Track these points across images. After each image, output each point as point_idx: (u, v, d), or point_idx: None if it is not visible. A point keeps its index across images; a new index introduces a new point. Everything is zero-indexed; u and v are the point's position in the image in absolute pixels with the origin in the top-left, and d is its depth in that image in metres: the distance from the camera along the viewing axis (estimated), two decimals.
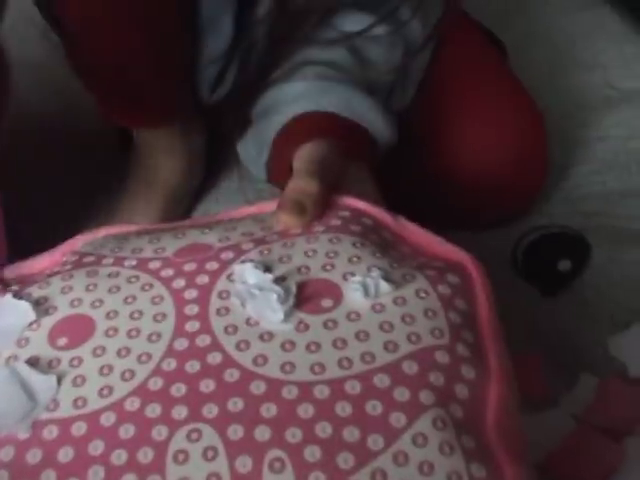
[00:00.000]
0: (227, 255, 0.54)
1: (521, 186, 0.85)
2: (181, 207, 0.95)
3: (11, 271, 0.58)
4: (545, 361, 0.75)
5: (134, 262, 0.55)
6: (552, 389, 0.74)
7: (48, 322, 0.51)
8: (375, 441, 0.45)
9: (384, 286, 0.51)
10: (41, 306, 0.52)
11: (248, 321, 0.50)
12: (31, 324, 0.51)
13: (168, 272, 0.53)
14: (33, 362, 0.49)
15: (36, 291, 0.53)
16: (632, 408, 0.71)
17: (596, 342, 0.79)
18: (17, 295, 0.53)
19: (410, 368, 0.48)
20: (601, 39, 1.15)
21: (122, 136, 0.96)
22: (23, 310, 0.52)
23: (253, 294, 0.51)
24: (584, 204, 0.93)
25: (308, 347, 0.49)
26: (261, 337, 0.49)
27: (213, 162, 0.98)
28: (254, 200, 0.87)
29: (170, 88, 0.83)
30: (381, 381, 0.47)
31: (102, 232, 0.61)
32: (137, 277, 0.53)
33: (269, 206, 0.61)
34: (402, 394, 0.47)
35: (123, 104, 0.84)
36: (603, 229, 0.89)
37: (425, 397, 0.47)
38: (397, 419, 0.46)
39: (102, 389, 0.47)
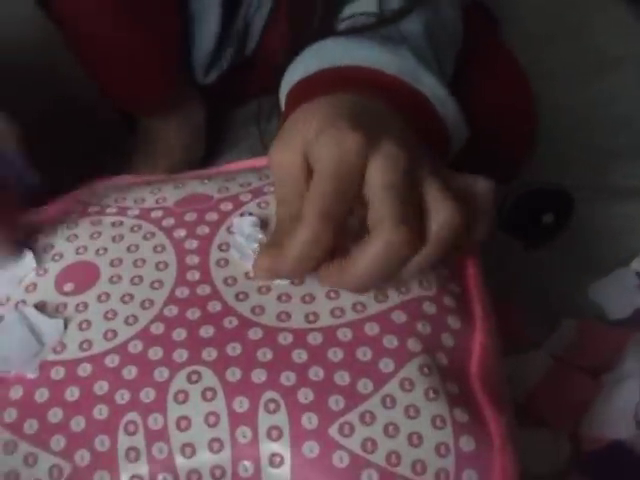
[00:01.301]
0: (226, 206, 0.57)
1: (514, 148, 0.87)
2: None
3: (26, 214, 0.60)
4: (529, 308, 0.78)
5: (136, 211, 0.57)
6: (534, 334, 0.77)
7: (54, 268, 0.54)
8: (365, 385, 0.48)
9: None
10: (47, 253, 0.55)
11: (247, 274, 0.53)
12: (38, 270, 0.54)
13: (169, 222, 0.56)
14: (40, 307, 0.52)
15: (42, 238, 0.56)
16: (609, 347, 0.75)
17: (578, 289, 0.83)
18: (25, 242, 0.56)
19: (399, 317, 0.51)
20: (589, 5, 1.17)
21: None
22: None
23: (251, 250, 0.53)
24: (569, 162, 0.96)
25: (303, 298, 0.52)
26: (259, 290, 0.52)
27: (214, 139, 0.99)
28: None
29: (164, 76, 0.85)
30: (371, 329, 0.50)
31: (106, 183, 0.63)
32: (139, 226, 0.56)
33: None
34: (391, 341, 0.50)
35: (120, 93, 0.87)
36: (588, 185, 0.93)
37: (412, 345, 0.50)
38: (386, 365, 0.49)
39: (106, 332, 0.50)
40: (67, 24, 0.78)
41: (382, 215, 0.48)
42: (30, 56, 0.83)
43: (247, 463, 0.47)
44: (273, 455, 0.47)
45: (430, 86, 0.64)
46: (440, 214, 0.50)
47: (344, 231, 0.50)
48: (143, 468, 0.47)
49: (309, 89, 0.63)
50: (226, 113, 0.97)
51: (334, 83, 0.61)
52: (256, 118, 0.87)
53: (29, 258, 0.55)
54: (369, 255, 0.48)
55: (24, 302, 0.53)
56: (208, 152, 0.98)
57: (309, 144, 0.50)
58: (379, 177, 0.49)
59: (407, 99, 0.61)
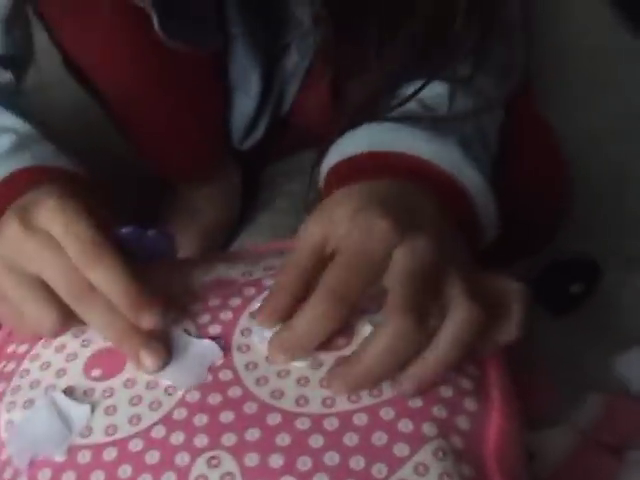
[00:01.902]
0: (249, 291, 0.59)
1: (548, 219, 0.86)
2: (217, 241, 1.00)
3: None
4: (554, 381, 0.79)
5: None
6: (559, 409, 0.78)
7: (83, 354, 0.57)
8: (379, 469, 0.49)
9: None
10: (77, 338, 0.57)
11: (267, 358, 0.55)
12: (68, 356, 0.57)
13: (194, 307, 0.58)
14: (69, 391, 0.55)
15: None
16: (635, 423, 0.75)
17: (602, 361, 0.83)
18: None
19: (414, 402, 0.52)
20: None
21: None
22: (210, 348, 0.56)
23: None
24: (599, 227, 0.96)
25: (321, 382, 0.53)
26: (278, 374, 0.54)
27: (249, 196, 1.02)
28: (285, 235, 0.90)
29: (203, 146, 0.88)
30: (387, 413, 0.52)
31: None
32: None
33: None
34: (406, 425, 0.51)
35: (159, 162, 0.90)
36: (618, 252, 0.94)
37: (428, 429, 0.51)
38: (400, 449, 0.50)
39: (132, 418, 0.53)
40: (100, 91, 0.81)
41: (394, 304, 0.50)
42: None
43: None
44: None
45: (472, 179, 0.64)
46: (457, 312, 0.51)
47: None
48: None
49: (350, 171, 0.64)
50: (260, 172, 0.99)
51: (375, 169, 0.62)
52: (289, 175, 0.89)
53: (213, 345, 0.56)
54: (377, 345, 0.50)
55: (54, 387, 0.55)
56: (244, 210, 1.01)
57: (337, 228, 0.53)
58: (400, 267, 0.51)
59: (448, 192, 0.62)
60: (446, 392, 0.54)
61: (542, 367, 0.80)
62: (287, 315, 0.53)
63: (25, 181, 0.61)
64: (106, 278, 0.53)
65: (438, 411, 0.52)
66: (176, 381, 0.54)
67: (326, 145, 0.69)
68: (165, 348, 0.55)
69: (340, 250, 0.52)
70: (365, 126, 0.67)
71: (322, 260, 0.53)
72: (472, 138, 0.67)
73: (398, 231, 0.51)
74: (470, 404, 0.54)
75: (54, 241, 0.54)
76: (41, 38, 0.80)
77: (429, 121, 0.66)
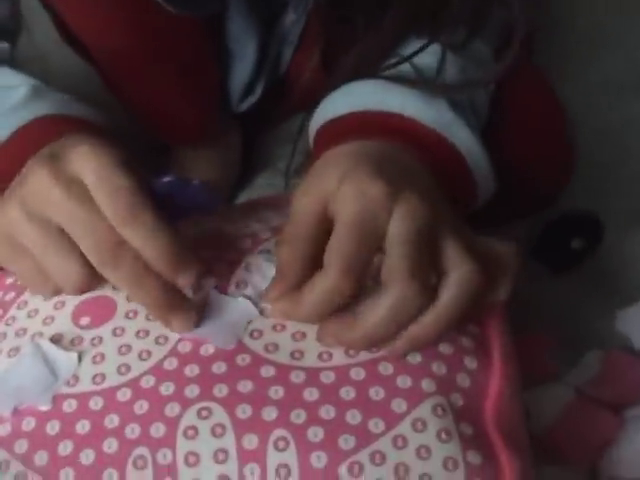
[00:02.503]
0: (245, 243, 0.57)
1: (551, 180, 0.83)
2: None
3: None
4: (552, 338, 0.78)
5: None
6: (557, 364, 0.77)
7: (72, 302, 0.55)
8: (376, 424, 0.48)
9: None
10: None
11: (262, 311, 0.53)
12: (56, 303, 0.55)
13: None
14: (57, 339, 0.53)
15: None
16: (633, 380, 0.74)
17: (603, 317, 0.82)
18: None
19: (414, 358, 0.51)
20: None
21: None
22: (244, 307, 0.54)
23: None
24: (602, 187, 0.96)
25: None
26: (274, 327, 0.53)
27: (249, 159, 1.00)
28: None
29: (200, 111, 0.87)
30: (385, 369, 0.50)
31: None
32: None
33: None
34: (404, 381, 0.50)
35: (157, 127, 0.89)
36: (620, 211, 0.93)
37: (427, 385, 0.50)
38: (398, 405, 0.49)
39: (120, 367, 0.51)
40: (96, 59, 0.80)
41: (395, 268, 0.49)
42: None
43: None
44: None
45: (464, 140, 0.63)
46: (457, 273, 0.50)
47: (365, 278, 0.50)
48: None
49: (339, 131, 0.63)
50: (259, 134, 0.98)
51: (365, 128, 0.60)
52: (286, 139, 0.88)
53: (247, 304, 0.54)
54: (380, 308, 0.49)
55: (40, 334, 0.54)
56: (243, 171, 1.00)
57: (331, 193, 0.51)
58: (398, 230, 0.49)
59: (440, 152, 0.61)
60: (446, 349, 0.52)
61: (541, 325, 0.78)
62: (297, 290, 0.51)
63: (49, 129, 0.58)
64: (142, 234, 0.50)
65: (437, 368, 0.51)
66: (215, 340, 0.52)
67: (312, 108, 0.68)
68: (197, 309, 0.53)
69: (338, 219, 0.51)
70: (352, 84, 0.66)
71: (323, 227, 0.52)
72: (464, 104, 0.66)
73: (391, 192, 0.50)
74: (470, 362, 0.53)
75: (85, 191, 0.50)
76: (35, 6, 0.79)
77: (420, 84, 0.64)
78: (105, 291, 0.55)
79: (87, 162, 0.51)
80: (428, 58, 0.66)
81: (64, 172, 0.51)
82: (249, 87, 0.88)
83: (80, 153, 0.51)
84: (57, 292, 0.54)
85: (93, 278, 0.52)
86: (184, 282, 0.52)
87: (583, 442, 0.70)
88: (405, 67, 0.66)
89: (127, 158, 0.52)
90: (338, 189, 0.51)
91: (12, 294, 0.57)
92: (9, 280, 0.58)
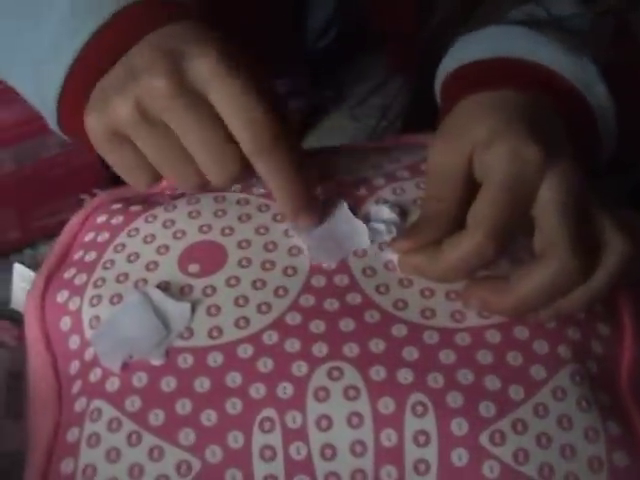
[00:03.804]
0: (361, 192, 0.55)
1: None
2: None
3: (128, 190, 0.58)
4: None
5: (262, 190, 0.55)
6: None
7: (177, 247, 0.52)
8: (516, 391, 0.47)
9: None
10: (168, 229, 0.53)
11: (387, 265, 0.51)
12: (159, 248, 0.52)
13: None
14: (164, 287, 0.50)
15: (162, 213, 0.54)
16: None
17: None
18: (143, 215, 0.54)
19: (549, 322, 0.49)
20: None
21: None
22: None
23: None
24: None
25: (447, 295, 0.50)
26: (400, 282, 0.50)
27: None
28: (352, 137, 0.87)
29: (281, 42, 0.83)
30: (521, 333, 0.49)
31: None
32: (267, 206, 0.54)
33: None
34: (541, 347, 0.48)
35: None
36: None
37: (563, 351, 0.49)
38: (537, 371, 0.48)
39: (238, 320, 0.49)
40: None
41: (556, 239, 0.47)
42: None
43: (391, 468, 0.45)
44: (419, 461, 0.45)
45: (601, 98, 0.60)
46: (615, 245, 0.48)
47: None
48: (279, 468, 0.45)
49: (482, 76, 0.59)
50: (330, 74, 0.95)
51: (506, 76, 0.58)
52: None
53: (363, 227, 0.53)
54: (537, 279, 0.47)
55: (145, 281, 0.51)
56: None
57: (480, 148, 0.48)
58: (554, 197, 0.47)
59: (577, 110, 0.58)
60: (579, 315, 0.51)
61: None
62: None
63: (154, 11, 0.53)
64: (273, 170, 0.49)
65: (573, 333, 0.50)
66: (315, 252, 0.51)
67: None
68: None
69: (488, 179, 0.48)
70: (494, 29, 0.62)
71: (466, 185, 0.49)
72: (599, 55, 0.62)
73: (546, 157, 0.47)
74: (603, 329, 0.51)
75: (209, 109, 0.48)
76: None
77: (560, 31, 0.60)
78: (213, 236, 0.52)
79: (219, 81, 0.48)
80: (565, 8, 0.63)
81: (189, 83, 0.48)
82: (327, 27, 0.84)
83: (209, 66, 0.48)
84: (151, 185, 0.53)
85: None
86: (304, 223, 0.52)
87: None
88: (537, 11, 0.62)
89: (249, 60, 0.50)
90: (489, 146, 0.48)
91: (106, 235, 0.54)
92: (100, 219, 0.55)
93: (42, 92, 0.54)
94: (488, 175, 0.48)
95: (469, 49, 0.62)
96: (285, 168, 0.49)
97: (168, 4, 0.54)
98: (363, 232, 0.52)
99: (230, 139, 0.49)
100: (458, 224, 0.49)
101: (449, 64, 0.63)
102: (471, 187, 0.49)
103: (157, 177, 0.52)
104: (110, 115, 0.49)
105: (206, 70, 0.48)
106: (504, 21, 0.62)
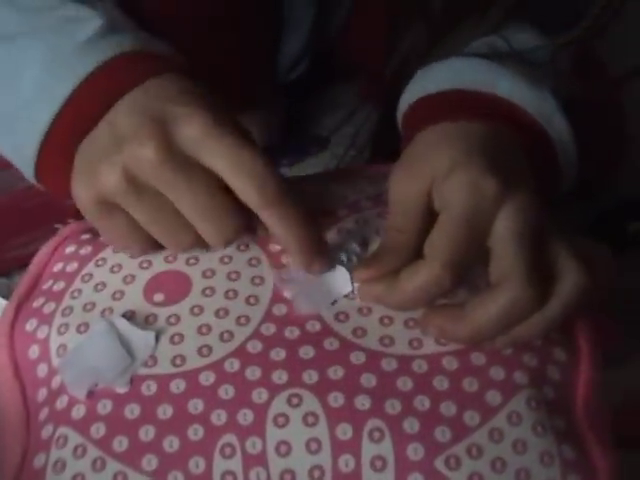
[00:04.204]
0: (324, 221, 0.56)
1: (603, 163, 0.82)
2: None
3: None
4: (615, 319, 0.78)
5: None
6: (621, 347, 0.77)
7: (143, 276, 0.54)
8: (472, 417, 0.48)
9: None
10: (135, 259, 0.55)
11: (347, 294, 0.53)
12: (125, 277, 0.54)
13: (264, 233, 0.55)
14: (129, 316, 0.52)
15: None
16: None
17: None
18: (109, 246, 0.56)
19: (505, 349, 0.51)
20: None
21: None
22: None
23: None
24: None
25: (406, 323, 0.52)
26: (360, 310, 0.52)
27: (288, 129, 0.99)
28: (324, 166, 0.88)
29: (251, 80, 0.84)
30: (477, 359, 0.50)
31: None
32: None
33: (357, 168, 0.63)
34: (497, 373, 0.50)
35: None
36: None
37: (519, 377, 0.50)
38: (493, 397, 0.49)
39: (201, 348, 0.50)
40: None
41: (510, 268, 0.48)
42: None
43: None
44: None
45: (561, 131, 0.61)
46: (570, 275, 0.50)
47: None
48: None
49: (437, 107, 0.61)
50: (302, 100, 0.96)
51: (467, 108, 0.59)
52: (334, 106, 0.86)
53: (344, 273, 0.54)
54: (492, 308, 0.49)
55: (111, 310, 0.52)
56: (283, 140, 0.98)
57: (439, 179, 0.50)
58: (510, 228, 0.49)
59: (537, 142, 0.60)
60: (535, 341, 0.52)
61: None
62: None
63: (135, 66, 0.54)
64: (284, 221, 0.50)
65: (529, 359, 0.51)
66: (300, 302, 0.52)
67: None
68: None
69: (446, 210, 0.50)
70: (451, 60, 0.64)
71: (426, 215, 0.51)
72: (559, 86, 0.64)
73: (504, 189, 0.49)
74: (560, 354, 0.53)
75: (201, 171, 0.50)
76: None
77: (521, 64, 0.62)
78: (178, 265, 0.54)
79: (209, 142, 0.49)
80: (526, 40, 0.65)
81: (177, 146, 0.49)
82: (299, 57, 0.86)
83: (197, 127, 0.49)
84: (145, 251, 0.54)
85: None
86: (317, 270, 0.53)
87: None
88: (499, 43, 0.64)
89: (234, 118, 0.51)
90: (448, 177, 0.50)
91: (74, 265, 0.56)
92: (69, 249, 0.57)
93: (19, 151, 0.55)
94: (446, 206, 0.49)
95: (430, 80, 0.64)
96: (294, 217, 0.50)
97: (148, 56, 0.55)
98: (345, 278, 0.53)
99: (225, 199, 0.50)
100: (417, 253, 0.50)
101: (410, 95, 0.65)
102: (430, 217, 0.50)
103: (150, 242, 0.53)
104: (97, 184, 0.50)
105: (196, 132, 0.49)
106: (465, 53, 0.64)
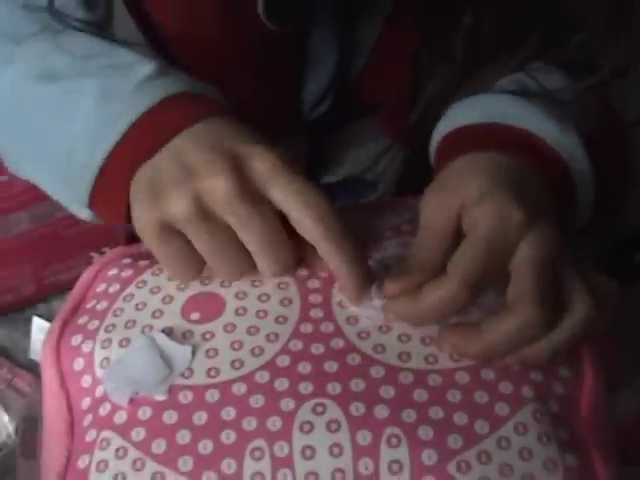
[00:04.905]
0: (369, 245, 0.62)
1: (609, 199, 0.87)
2: None
3: (139, 246, 0.65)
4: (619, 344, 0.83)
5: None
6: (624, 373, 0.82)
7: (180, 297, 0.60)
8: (482, 426, 0.53)
9: None
10: (172, 282, 0.61)
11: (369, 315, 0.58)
12: (164, 298, 0.59)
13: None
14: (168, 332, 0.58)
15: None
16: None
17: None
18: (150, 269, 0.61)
19: (513, 366, 0.56)
20: None
21: None
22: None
23: None
24: None
25: (423, 340, 0.57)
26: (380, 329, 0.58)
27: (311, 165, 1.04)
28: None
29: (274, 118, 0.89)
30: (487, 374, 0.56)
31: None
32: None
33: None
34: (506, 387, 0.55)
35: None
36: None
37: (526, 391, 0.55)
38: (501, 408, 0.54)
39: (234, 362, 0.56)
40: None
41: (524, 292, 0.54)
42: None
43: None
44: None
45: (582, 167, 0.66)
46: (580, 308, 0.55)
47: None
48: None
49: (468, 139, 0.66)
50: (322, 138, 1.02)
51: (497, 141, 0.63)
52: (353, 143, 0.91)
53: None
54: (502, 329, 0.54)
55: (151, 327, 0.58)
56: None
57: (469, 205, 0.55)
58: (531, 254, 0.54)
59: (559, 176, 0.64)
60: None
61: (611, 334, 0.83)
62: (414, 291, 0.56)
63: (190, 107, 0.59)
64: (338, 255, 0.56)
65: (535, 376, 0.57)
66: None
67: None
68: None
69: (472, 234, 0.55)
70: (481, 96, 0.69)
71: (453, 237, 0.56)
72: (583, 125, 0.69)
73: (529, 220, 0.54)
74: (564, 371, 0.58)
75: (269, 207, 0.55)
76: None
77: (548, 101, 0.67)
78: (213, 288, 0.60)
79: (280, 179, 0.54)
80: (552, 80, 0.70)
81: (248, 182, 0.54)
82: (322, 96, 0.91)
83: (267, 163, 0.54)
84: (195, 278, 0.59)
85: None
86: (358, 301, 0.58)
87: None
88: (527, 81, 0.70)
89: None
90: (478, 205, 0.55)
91: (116, 286, 0.61)
92: (111, 272, 0.63)
93: (73, 182, 0.61)
94: (473, 230, 0.55)
95: (461, 115, 0.69)
96: (352, 251, 0.56)
97: (203, 97, 0.61)
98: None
99: (286, 236, 0.56)
100: (441, 271, 0.55)
101: (443, 127, 0.70)
102: (457, 239, 0.56)
103: (201, 269, 0.59)
104: (164, 209, 0.54)
105: (267, 168, 0.54)
106: (495, 89, 0.69)
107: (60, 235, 0.86)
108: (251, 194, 0.54)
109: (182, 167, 0.55)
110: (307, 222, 0.55)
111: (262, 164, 0.55)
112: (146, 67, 0.61)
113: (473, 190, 0.56)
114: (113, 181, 0.59)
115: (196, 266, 0.58)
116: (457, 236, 0.56)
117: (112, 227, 0.84)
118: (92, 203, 0.61)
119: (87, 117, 0.59)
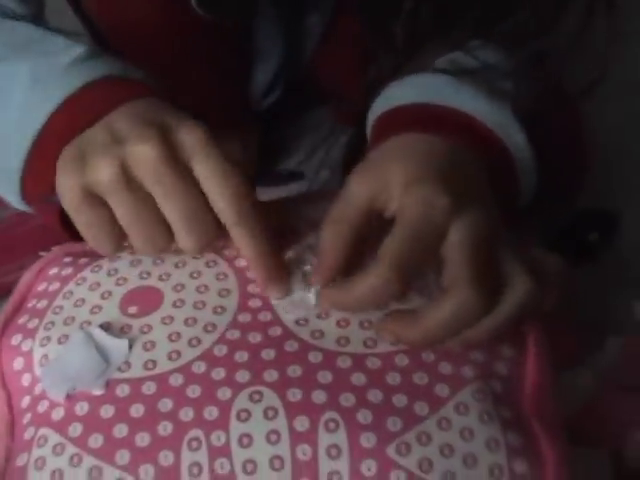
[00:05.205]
0: (286, 238, 0.62)
1: (567, 183, 0.84)
2: None
3: (81, 245, 0.66)
4: (575, 324, 0.83)
5: None
6: (580, 350, 0.82)
7: (119, 292, 0.60)
8: (421, 407, 0.53)
9: None
10: (111, 277, 0.61)
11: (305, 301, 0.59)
12: (103, 293, 0.60)
13: (231, 252, 0.62)
14: (106, 327, 0.58)
15: (107, 263, 0.62)
16: None
17: (624, 307, 0.89)
18: (90, 266, 0.62)
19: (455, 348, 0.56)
20: None
21: None
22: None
23: None
24: (618, 179, 1.02)
25: (361, 324, 0.57)
26: (318, 316, 0.58)
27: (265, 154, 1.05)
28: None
29: (223, 108, 0.90)
30: (427, 356, 0.56)
31: None
32: (202, 254, 0.61)
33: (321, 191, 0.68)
34: (446, 368, 0.55)
35: None
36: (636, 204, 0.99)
37: (467, 372, 0.55)
38: (441, 389, 0.54)
39: (171, 353, 0.56)
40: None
41: (459, 275, 0.54)
42: None
43: None
44: (332, 473, 0.51)
45: (518, 146, 0.66)
46: (517, 287, 0.55)
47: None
48: None
49: (400, 120, 0.66)
50: (276, 126, 1.02)
51: (428, 121, 0.63)
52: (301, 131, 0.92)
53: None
54: (439, 314, 0.54)
55: (89, 322, 0.58)
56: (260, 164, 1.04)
57: (394, 191, 0.55)
58: (458, 239, 0.54)
59: (496, 155, 0.65)
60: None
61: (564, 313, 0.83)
62: (339, 273, 0.56)
63: (121, 88, 0.60)
64: (247, 241, 0.56)
65: (476, 356, 0.57)
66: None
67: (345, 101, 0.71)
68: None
69: (400, 220, 0.55)
70: (419, 76, 0.70)
71: (371, 215, 0.56)
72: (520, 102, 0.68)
73: (456, 205, 0.54)
74: (507, 351, 0.58)
75: (192, 179, 0.56)
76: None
77: (482, 79, 0.67)
78: (151, 281, 0.60)
79: (205, 151, 0.55)
80: (488, 56, 0.70)
81: (175, 152, 0.55)
82: (271, 85, 0.92)
83: (194, 136, 0.55)
84: (119, 248, 0.59)
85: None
86: (275, 294, 0.59)
87: (607, 425, 0.75)
88: (462, 59, 0.70)
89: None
90: (405, 191, 0.55)
91: (57, 284, 0.62)
92: (52, 271, 0.63)
93: (7, 173, 0.61)
94: (400, 215, 0.55)
95: (394, 96, 0.70)
96: (261, 237, 0.56)
97: (133, 80, 0.62)
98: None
99: (206, 208, 0.56)
100: (357, 251, 0.56)
101: (378, 107, 0.71)
102: (376, 221, 0.56)
103: (121, 241, 0.58)
104: (89, 175, 0.55)
105: (194, 140, 0.55)
106: (429, 69, 0.69)
107: (9, 235, 0.86)
108: (177, 165, 0.55)
109: (111, 135, 0.56)
110: (221, 204, 0.55)
111: (189, 136, 0.55)
112: (75, 51, 0.62)
113: (399, 175, 0.56)
114: (43, 159, 0.59)
115: (117, 237, 0.58)
116: (373, 217, 0.56)
117: (59, 230, 0.84)
118: (24, 190, 0.62)
119: (19, 102, 0.60)
